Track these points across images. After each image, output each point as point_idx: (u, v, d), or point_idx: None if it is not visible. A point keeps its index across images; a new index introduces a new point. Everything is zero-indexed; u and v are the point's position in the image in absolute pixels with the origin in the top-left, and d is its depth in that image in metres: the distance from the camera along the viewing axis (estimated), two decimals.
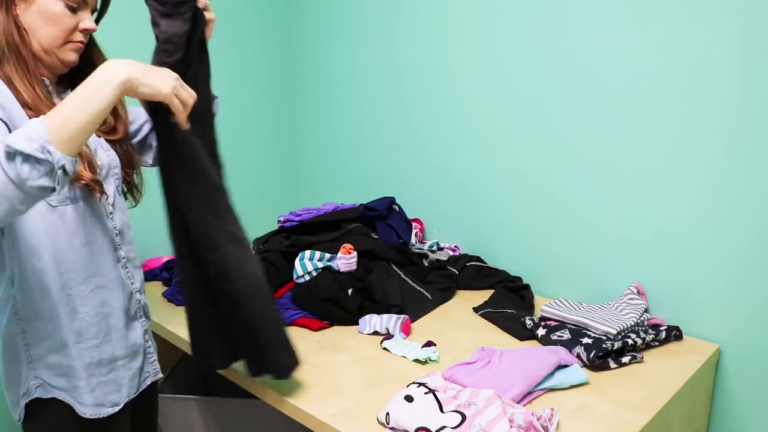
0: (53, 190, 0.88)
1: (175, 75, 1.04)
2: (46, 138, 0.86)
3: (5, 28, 1.05)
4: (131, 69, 0.96)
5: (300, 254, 1.73)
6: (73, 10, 1.10)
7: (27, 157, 0.84)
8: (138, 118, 1.34)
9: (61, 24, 1.09)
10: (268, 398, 1.30)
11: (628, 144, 1.51)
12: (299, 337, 1.51)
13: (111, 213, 1.19)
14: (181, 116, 1.06)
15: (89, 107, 0.91)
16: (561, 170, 1.66)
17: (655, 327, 1.45)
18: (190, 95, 1.06)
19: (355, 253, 1.72)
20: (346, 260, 1.71)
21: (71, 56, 1.13)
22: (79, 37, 1.12)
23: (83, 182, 1.10)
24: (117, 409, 1.19)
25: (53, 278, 1.10)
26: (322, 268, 1.71)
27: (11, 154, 0.84)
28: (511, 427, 1.03)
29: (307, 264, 1.71)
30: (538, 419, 1.07)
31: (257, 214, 2.31)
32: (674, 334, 1.43)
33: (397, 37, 1.99)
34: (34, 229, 1.08)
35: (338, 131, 2.28)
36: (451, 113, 1.89)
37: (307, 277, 1.70)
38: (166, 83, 1.01)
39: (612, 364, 1.32)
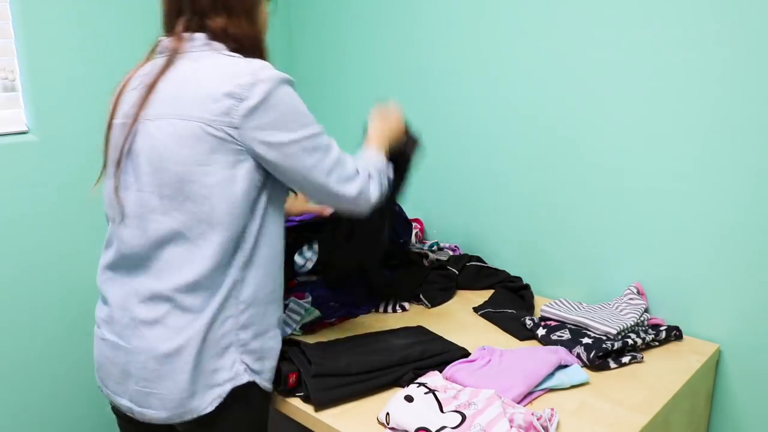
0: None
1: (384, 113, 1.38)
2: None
3: (255, 36, 1.18)
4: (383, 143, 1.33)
5: (298, 250, 1.76)
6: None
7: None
8: None
9: (267, 27, 1.24)
10: None
11: (628, 144, 1.51)
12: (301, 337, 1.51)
13: None
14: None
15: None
16: (561, 170, 1.66)
17: (655, 327, 1.45)
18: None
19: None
20: None
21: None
22: None
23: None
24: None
25: (278, 264, 1.19)
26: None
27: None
28: (511, 427, 1.03)
29: (306, 253, 1.73)
30: (538, 419, 1.07)
31: None
32: (674, 334, 1.43)
33: (399, 37, 1.99)
34: (276, 217, 1.17)
35: (337, 131, 2.28)
36: (452, 113, 1.89)
37: (309, 264, 1.71)
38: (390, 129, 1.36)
39: (612, 364, 1.32)
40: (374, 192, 1.21)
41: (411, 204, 2.06)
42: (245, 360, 1.13)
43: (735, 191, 1.36)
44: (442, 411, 1.09)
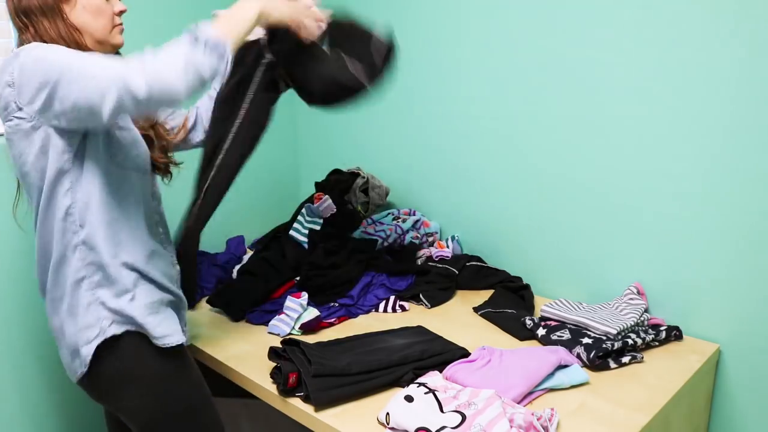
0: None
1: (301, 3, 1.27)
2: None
3: (66, 34, 1.16)
4: (263, 3, 1.17)
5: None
6: None
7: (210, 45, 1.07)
8: (181, 117, 1.49)
9: (104, 13, 1.21)
10: (268, 398, 1.31)
11: (628, 144, 1.51)
12: (301, 337, 1.51)
13: (155, 193, 1.33)
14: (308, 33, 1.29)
15: (234, 36, 1.12)
16: (561, 170, 1.66)
17: (655, 327, 1.45)
18: (315, 19, 1.30)
19: (327, 196, 1.87)
20: (322, 206, 1.88)
21: (120, 39, 1.25)
22: (118, 20, 1.24)
23: (160, 161, 1.31)
24: (182, 340, 1.26)
25: (124, 221, 1.21)
26: (311, 229, 1.86)
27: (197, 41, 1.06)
28: (511, 427, 1.03)
29: (300, 230, 1.87)
30: (538, 419, 1.07)
31: (257, 214, 2.31)
32: (674, 334, 1.43)
33: (400, 37, 1.99)
34: (105, 184, 1.17)
35: (338, 130, 2.28)
36: (453, 113, 1.89)
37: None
38: (292, 9, 1.24)
39: (612, 364, 1.32)
40: (138, 77, 1.00)
41: (411, 204, 2.07)
42: (110, 316, 1.18)
43: (735, 192, 1.36)
44: (442, 411, 1.09)
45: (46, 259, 1.20)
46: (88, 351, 1.18)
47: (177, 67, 1.02)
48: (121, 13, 1.24)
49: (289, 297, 1.56)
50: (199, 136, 1.49)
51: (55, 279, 1.19)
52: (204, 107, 1.49)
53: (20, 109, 1.09)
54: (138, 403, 1.22)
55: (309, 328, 1.52)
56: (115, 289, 1.19)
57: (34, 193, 1.17)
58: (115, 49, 1.25)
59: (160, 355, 1.23)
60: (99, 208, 1.17)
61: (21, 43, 1.18)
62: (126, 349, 1.20)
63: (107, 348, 1.19)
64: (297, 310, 1.53)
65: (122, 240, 1.20)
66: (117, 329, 1.19)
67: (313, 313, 1.53)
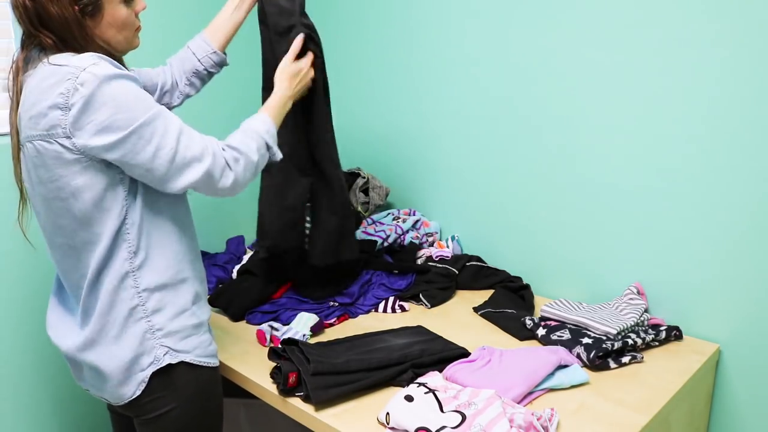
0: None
1: (295, 70, 1.41)
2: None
3: (93, 49, 1.10)
4: (289, 93, 1.37)
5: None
6: (128, 3, 1.16)
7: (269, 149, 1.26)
8: (151, 78, 1.45)
9: (130, 24, 1.17)
10: (268, 398, 1.31)
11: (628, 144, 1.51)
12: None
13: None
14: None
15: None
16: (562, 170, 1.66)
17: (655, 327, 1.45)
18: (308, 74, 1.46)
19: None
20: None
21: (138, 41, 1.22)
22: (138, 22, 1.20)
23: None
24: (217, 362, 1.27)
25: (178, 245, 1.19)
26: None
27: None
28: (511, 427, 1.03)
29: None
30: (538, 419, 1.07)
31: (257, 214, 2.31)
32: (674, 334, 1.43)
33: (399, 36, 1.99)
34: (166, 208, 1.17)
35: (338, 131, 2.28)
36: (453, 112, 1.89)
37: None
38: (301, 85, 1.43)
39: (612, 364, 1.32)
40: (234, 176, 1.16)
41: (411, 204, 2.07)
42: (166, 343, 1.16)
43: (735, 192, 1.36)
44: (442, 411, 1.09)
45: (80, 286, 1.15)
46: (135, 383, 1.15)
47: (253, 168, 1.21)
48: (139, 12, 1.20)
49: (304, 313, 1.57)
50: (175, 100, 1.47)
51: (107, 308, 1.13)
52: (177, 68, 1.46)
53: (68, 137, 1.04)
54: (179, 417, 1.20)
55: (318, 330, 1.52)
56: (172, 312, 1.16)
57: (67, 218, 1.11)
58: (132, 50, 1.22)
59: (207, 373, 1.22)
60: (158, 226, 1.16)
61: (33, 48, 1.09)
62: (179, 378, 1.18)
63: (159, 378, 1.16)
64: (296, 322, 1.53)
65: (178, 258, 1.18)
66: (171, 359, 1.16)
67: (313, 319, 1.53)
